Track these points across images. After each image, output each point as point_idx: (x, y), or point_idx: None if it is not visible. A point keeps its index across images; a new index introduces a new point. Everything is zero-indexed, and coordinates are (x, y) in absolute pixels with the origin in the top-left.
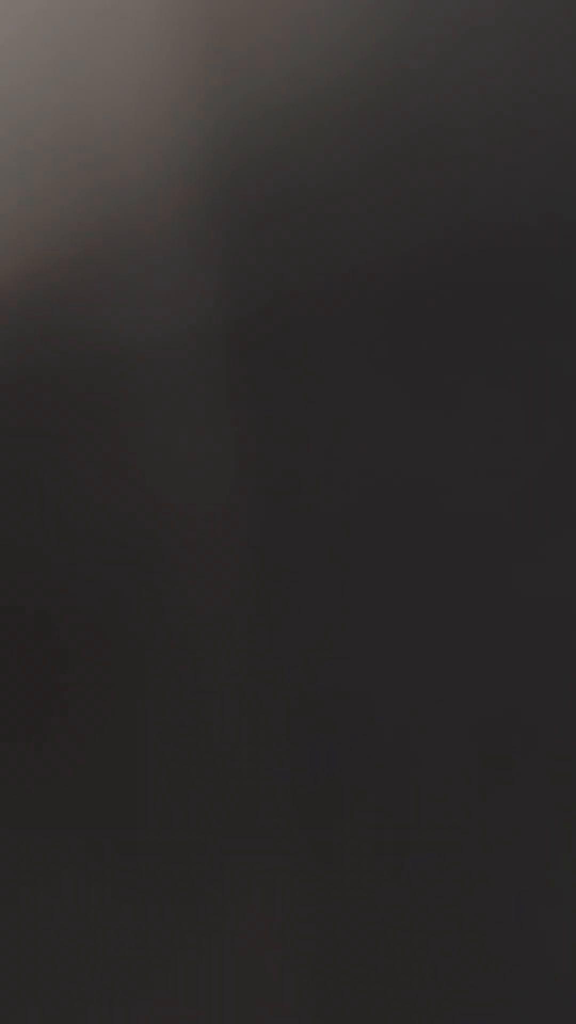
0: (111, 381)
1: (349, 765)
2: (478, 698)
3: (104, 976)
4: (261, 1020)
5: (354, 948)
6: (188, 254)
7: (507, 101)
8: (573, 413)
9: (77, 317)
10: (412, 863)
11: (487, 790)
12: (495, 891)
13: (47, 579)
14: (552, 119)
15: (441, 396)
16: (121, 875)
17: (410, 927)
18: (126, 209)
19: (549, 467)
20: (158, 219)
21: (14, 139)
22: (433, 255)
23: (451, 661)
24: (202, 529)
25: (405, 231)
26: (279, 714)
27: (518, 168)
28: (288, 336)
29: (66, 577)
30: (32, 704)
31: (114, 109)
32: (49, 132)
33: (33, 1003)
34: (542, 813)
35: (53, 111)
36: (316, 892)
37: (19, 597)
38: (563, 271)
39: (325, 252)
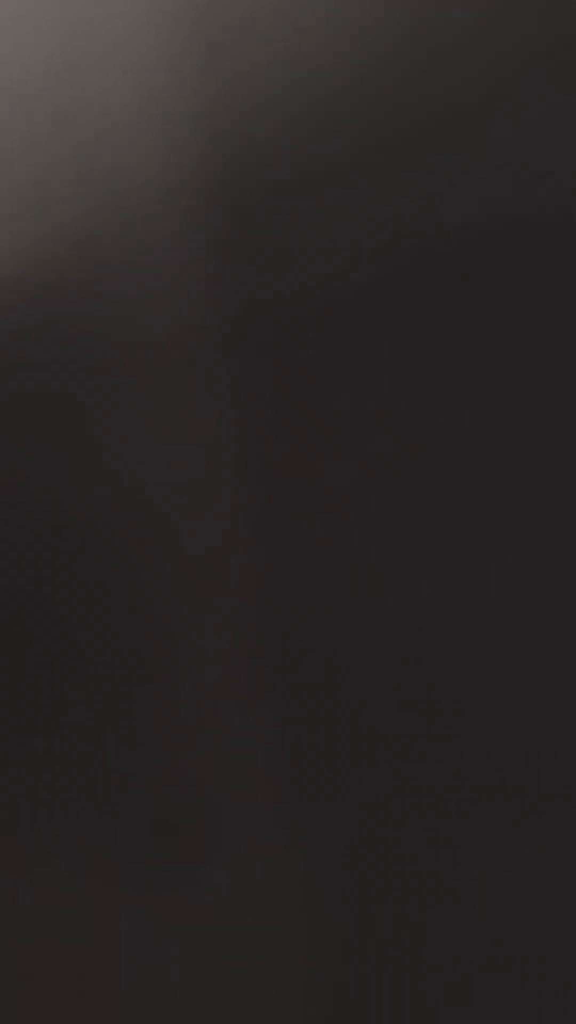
0: (111, 377)
1: (347, 755)
2: (479, 692)
3: (99, 967)
4: (258, 1013)
5: (351, 939)
6: (186, 249)
7: (511, 88)
8: (574, 404)
9: (76, 315)
10: (410, 851)
11: (487, 780)
12: (494, 879)
13: (46, 575)
14: (554, 113)
15: (442, 393)
16: (115, 867)
17: (409, 915)
18: (124, 205)
19: (550, 458)
20: (156, 214)
21: (11, 136)
22: (433, 250)
23: (452, 658)
24: (203, 525)
25: (405, 226)
26: (277, 701)
27: (521, 160)
28: (288, 332)
29: (66, 572)
30: (27, 690)
31: (111, 108)
32: (46, 130)
33: (28, 996)
34: (542, 804)
35: (50, 109)
36: (312, 883)
37: (19, 592)
38: (566, 265)
39: (324, 247)
